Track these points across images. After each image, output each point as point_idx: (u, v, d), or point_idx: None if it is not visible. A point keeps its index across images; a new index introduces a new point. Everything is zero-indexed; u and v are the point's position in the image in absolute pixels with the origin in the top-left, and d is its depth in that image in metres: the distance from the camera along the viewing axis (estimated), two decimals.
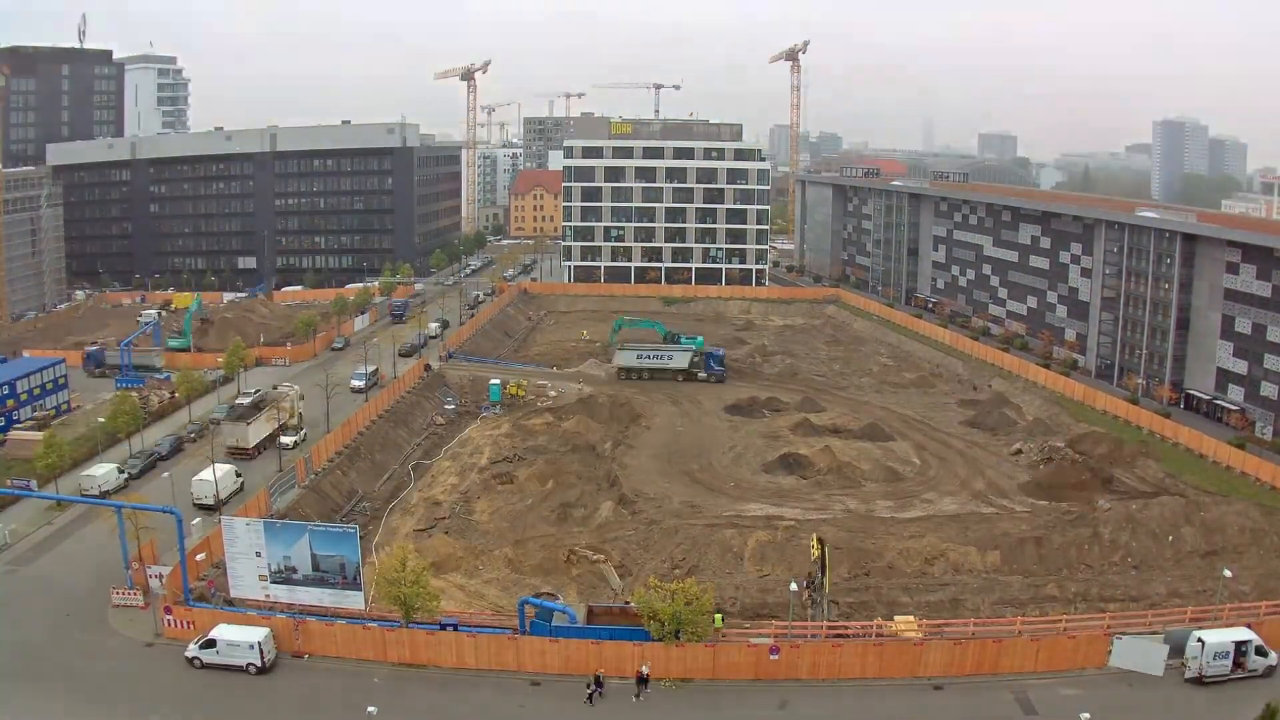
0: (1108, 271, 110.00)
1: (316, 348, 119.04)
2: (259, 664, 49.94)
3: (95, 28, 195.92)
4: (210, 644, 50.25)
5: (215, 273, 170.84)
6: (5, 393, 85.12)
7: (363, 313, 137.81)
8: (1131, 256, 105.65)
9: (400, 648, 51.31)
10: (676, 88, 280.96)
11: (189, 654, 50.38)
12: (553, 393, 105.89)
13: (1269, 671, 49.47)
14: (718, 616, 52.96)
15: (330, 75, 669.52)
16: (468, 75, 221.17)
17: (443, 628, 51.84)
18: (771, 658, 50.15)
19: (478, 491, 77.58)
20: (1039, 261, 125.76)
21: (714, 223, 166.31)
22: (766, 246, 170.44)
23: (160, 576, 56.37)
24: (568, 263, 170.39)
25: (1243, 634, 49.92)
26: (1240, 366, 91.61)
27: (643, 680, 48.90)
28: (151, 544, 58.61)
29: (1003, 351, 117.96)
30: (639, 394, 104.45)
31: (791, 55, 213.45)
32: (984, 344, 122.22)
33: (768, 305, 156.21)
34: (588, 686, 48.28)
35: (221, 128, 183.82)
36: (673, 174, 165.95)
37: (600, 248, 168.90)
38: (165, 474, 74.88)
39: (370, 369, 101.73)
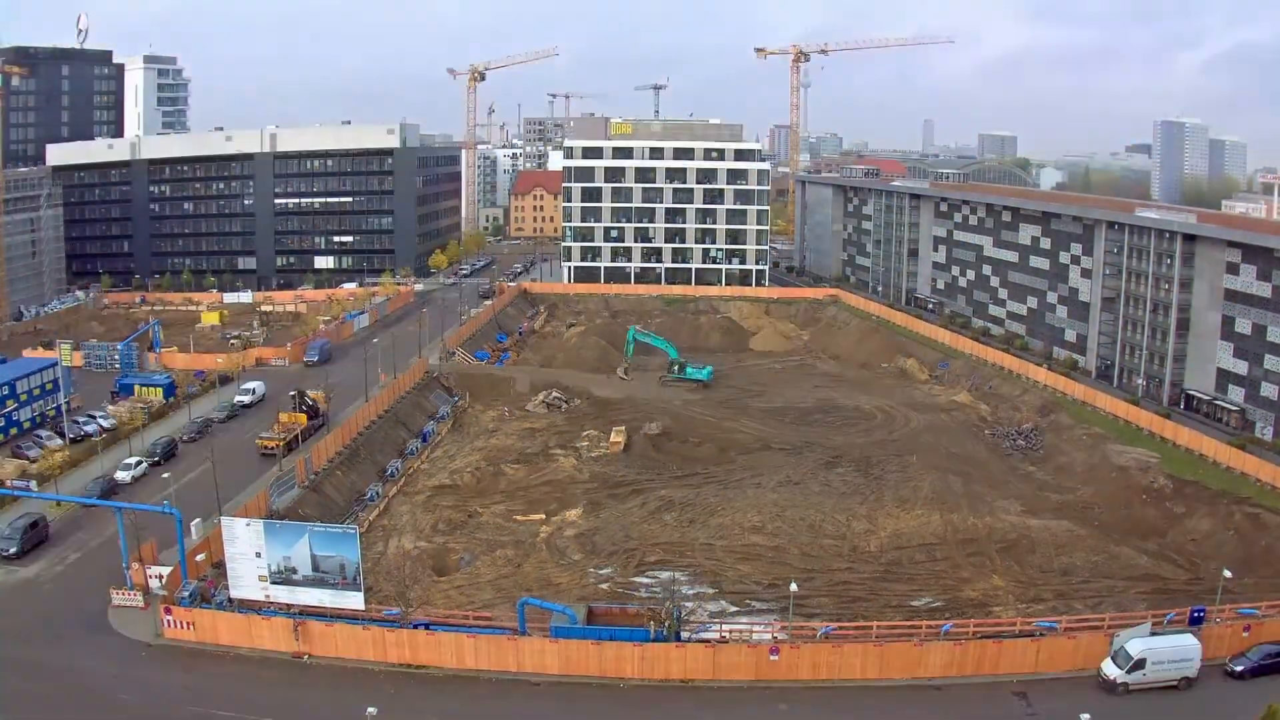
0: (1108, 272, 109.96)
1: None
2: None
3: (95, 27, 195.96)
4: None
5: (215, 273, 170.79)
6: (5, 393, 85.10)
7: (362, 312, 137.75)
8: (1131, 257, 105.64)
9: (400, 648, 51.30)
10: (662, 87, 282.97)
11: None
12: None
13: None
14: None
15: (331, 75, 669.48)
16: (478, 75, 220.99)
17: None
18: (771, 658, 50.16)
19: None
20: (1039, 262, 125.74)
21: (714, 223, 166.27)
22: (766, 247, 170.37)
23: (160, 577, 56.41)
24: (568, 263, 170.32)
25: None
26: (1240, 367, 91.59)
27: None
28: (151, 544, 58.60)
29: (1003, 352, 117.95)
30: None
31: (800, 57, 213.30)
32: (984, 344, 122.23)
33: (768, 305, 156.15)
34: None
35: (221, 128, 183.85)
36: (673, 174, 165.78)
37: (600, 248, 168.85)
38: (165, 474, 75.01)
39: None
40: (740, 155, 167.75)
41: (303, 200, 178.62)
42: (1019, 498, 78.05)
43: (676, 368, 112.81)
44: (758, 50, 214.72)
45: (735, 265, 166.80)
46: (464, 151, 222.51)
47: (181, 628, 53.09)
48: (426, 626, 52.40)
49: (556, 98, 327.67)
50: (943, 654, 50.63)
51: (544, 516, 73.33)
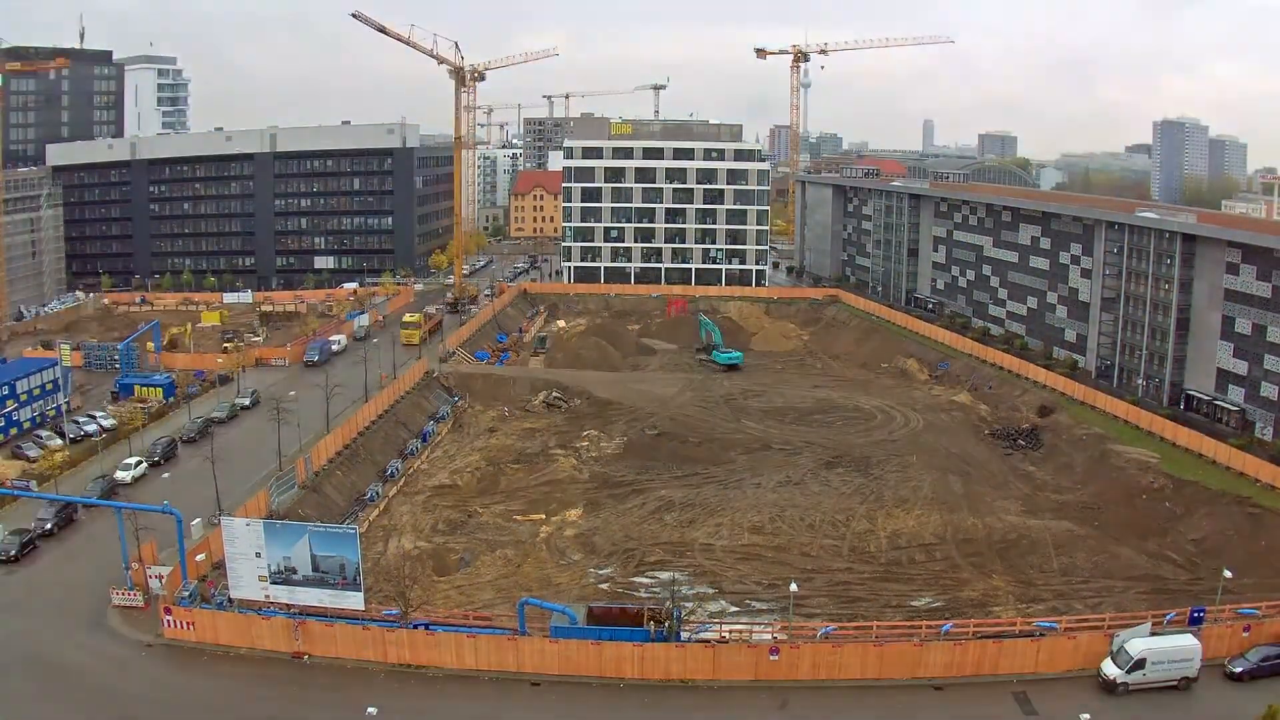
0: (1108, 272, 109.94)
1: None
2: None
3: (94, 27, 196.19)
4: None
5: (215, 273, 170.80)
6: (5, 393, 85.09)
7: (361, 313, 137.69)
8: (1131, 257, 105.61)
9: (400, 648, 51.32)
10: (662, 87, 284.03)
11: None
12: None
13: None
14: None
15: (331, 75, 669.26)
16: (477, 74, 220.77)
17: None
18: (771, 658, 50.16)
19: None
20: (1039, 262, 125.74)
21: (714, 223, 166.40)
22: (766, 247, 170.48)
23: (160, 577, 56.41)
24: (568, 263, 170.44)
25: None
26: (1240, 367, 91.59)
27: None
28: (152, 544, 58.59)
29: (1003, 352, 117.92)
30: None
31: (800, 58, 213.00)
32: (984, 344, 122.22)
33: (767, 305, 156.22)
34: None
35: (221, 128, 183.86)
36: (672, 174, 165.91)
37: (600, 248, 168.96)
38: (165, 474, 75.17)
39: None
40: (740, 155, 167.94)
41: (303, 200, 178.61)
42: (1019, 498, 78.10)
43: (708, 350, 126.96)
44: (757, 51, 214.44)
45: (735, 265, 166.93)
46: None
47: (181, 628, 53.09)
48: (426, 626, 52.43)
49: (555, 98, 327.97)
50: (943, 654, 50.62)
51: (544, 516, 73.36)
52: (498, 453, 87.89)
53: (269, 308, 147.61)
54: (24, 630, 53.07)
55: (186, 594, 55.15)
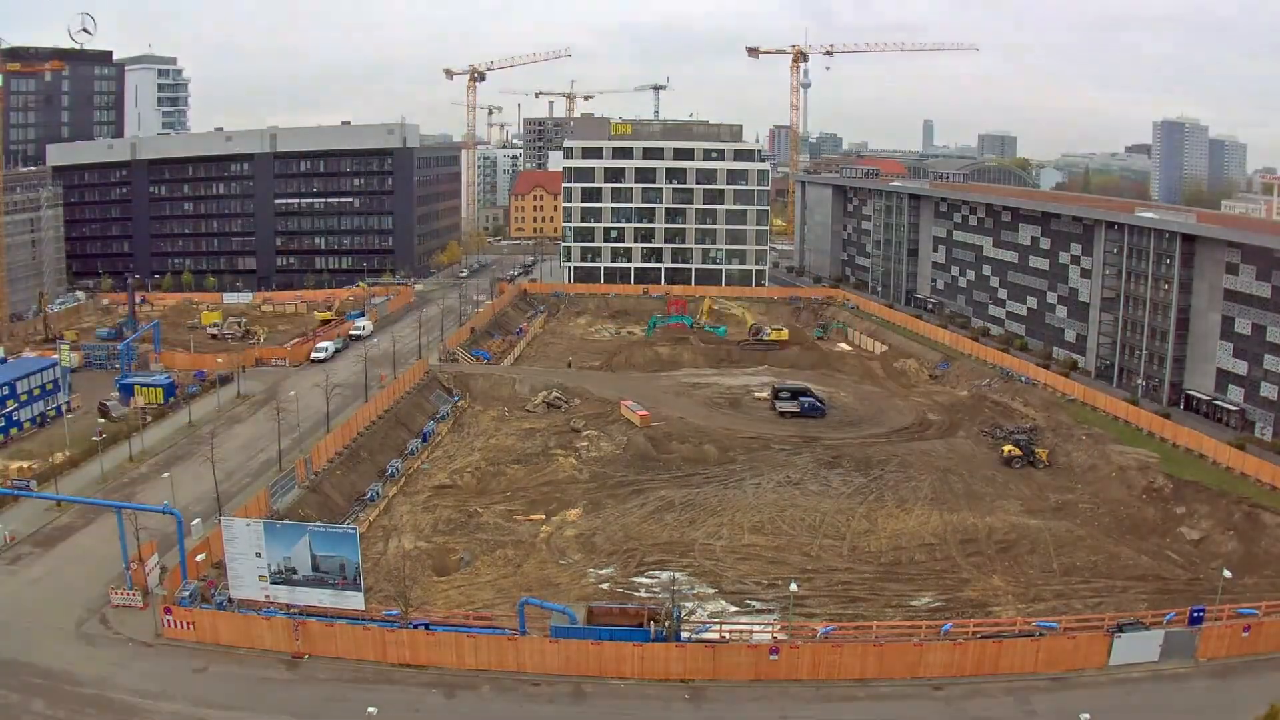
0: (1107, 272, 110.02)
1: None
2: None
3: (93, 27, 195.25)
4: None
5: (215, 274, 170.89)
6: (5, 393, 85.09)
7: (361, 313, 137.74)
8: (1131, 257, 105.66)
9: (400, 648, 51.33)
10: (662, 87, 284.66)
11: None
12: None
13: None
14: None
15: (331, 74, 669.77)
16: (477, 76, 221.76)
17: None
18: (771, 658, 50.17)
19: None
20: (1039, 262, 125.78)
21: (714, 223, 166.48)
22: (766, 247, 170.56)
23: (161, 569, 56.48)
24: (568, 263, 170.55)
25: None
26: (1240, 367, 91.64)
27: None
28: (152, 544, 58.59)
29: (1003, 352, 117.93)
30: None
31: (800, 58, 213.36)
32: (984, 344, 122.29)
33: (767, 305, 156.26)
34: None
35: (221, 128, 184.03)
36: (672, 174, 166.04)
37: (600, 248, 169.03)
38: (165, 474, 75.04)
39: None
40: (740, 155, 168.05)
41: (303, 200, 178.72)
42: (1019, 498, 78.05)
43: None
44: (750, 50, 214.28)
45: (735, 265, 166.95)
46: (464, 152, 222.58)
47: (181, 628, 53.10)
48: (426, 626, 52.44)
49: (557, 97, 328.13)
50: (943, 654, 50.62)
51: (544, 516, 73.36)
52: (498, 453, 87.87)
53: (269, 308, 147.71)
54: (23, 631, 53.04)
55: (187, 594, 55.17)
